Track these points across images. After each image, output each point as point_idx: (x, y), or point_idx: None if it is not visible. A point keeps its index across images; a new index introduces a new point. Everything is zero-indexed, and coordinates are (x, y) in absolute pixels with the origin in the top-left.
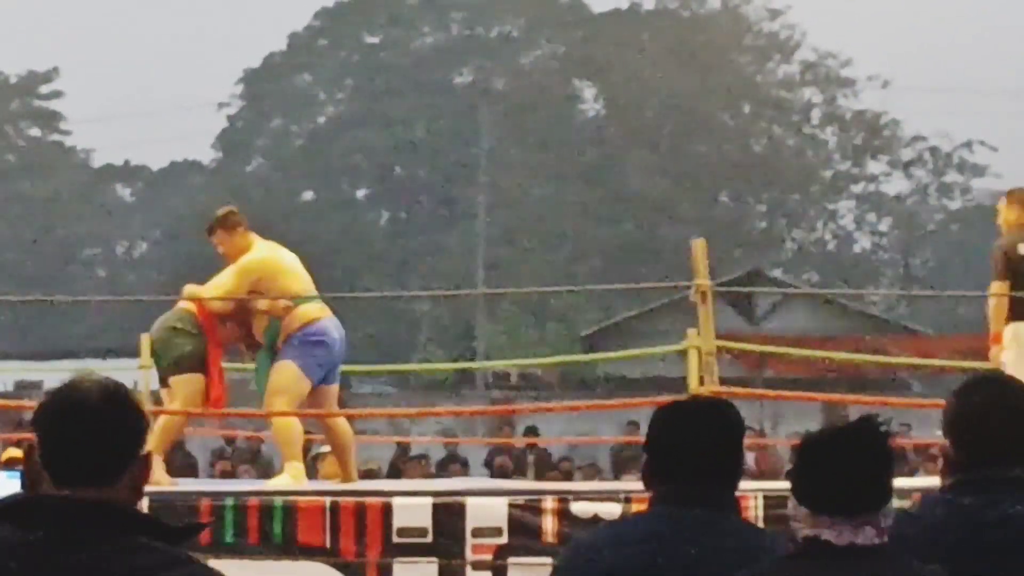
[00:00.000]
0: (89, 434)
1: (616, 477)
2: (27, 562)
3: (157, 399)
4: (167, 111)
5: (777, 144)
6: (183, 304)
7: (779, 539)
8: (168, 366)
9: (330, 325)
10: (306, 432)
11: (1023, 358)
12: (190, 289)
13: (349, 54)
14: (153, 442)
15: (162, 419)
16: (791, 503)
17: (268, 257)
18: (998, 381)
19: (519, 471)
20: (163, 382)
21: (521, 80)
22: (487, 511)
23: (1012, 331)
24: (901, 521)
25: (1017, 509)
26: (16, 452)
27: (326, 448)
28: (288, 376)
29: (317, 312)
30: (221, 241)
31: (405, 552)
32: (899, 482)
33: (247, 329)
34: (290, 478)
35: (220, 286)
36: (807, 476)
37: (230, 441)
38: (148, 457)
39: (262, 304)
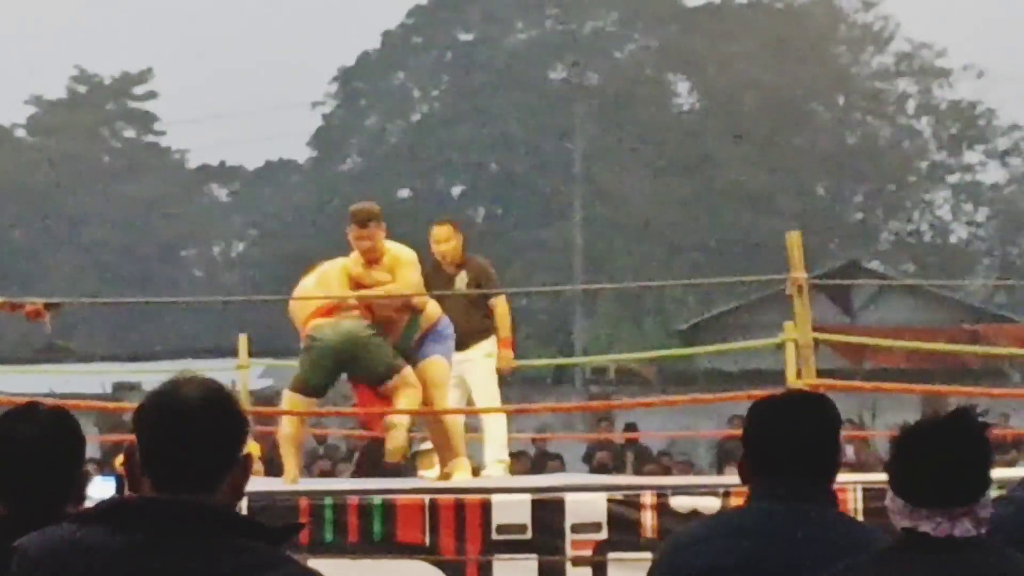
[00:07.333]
0: (190, 439)
1: (719, 471)
2: (124, 565)
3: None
4: (262, 111)
5: (872, 135)
6: (352, 312)
7: (877, 532)
8: (385, 370)
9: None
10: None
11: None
12: (376, 291)
13: (443, 51)
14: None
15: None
16: (889, 495)
17: (414, 254)
18: None
19: (618, 467)
20: (380, 383)
21: (615, 75)
22: (586, 507)
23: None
24: (1002, 500)
25: None
26: None
27: (428, 445)
28: (443, 370)
29: (438, 308)
30: (373, 234)
31: (505, 549)
32: (997, 473)
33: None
34: (463, 476)
35: (410, 285)
36: (905, 468)
37: (321, 440)
38: (248, 459)
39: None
